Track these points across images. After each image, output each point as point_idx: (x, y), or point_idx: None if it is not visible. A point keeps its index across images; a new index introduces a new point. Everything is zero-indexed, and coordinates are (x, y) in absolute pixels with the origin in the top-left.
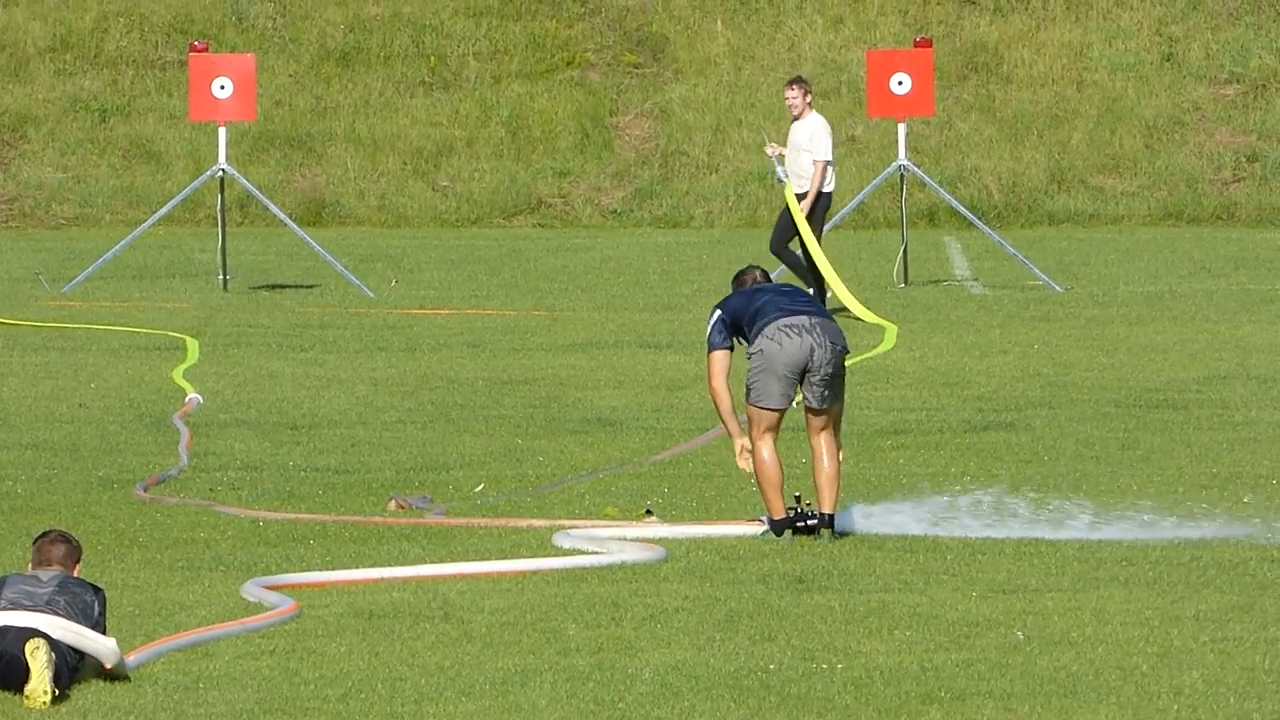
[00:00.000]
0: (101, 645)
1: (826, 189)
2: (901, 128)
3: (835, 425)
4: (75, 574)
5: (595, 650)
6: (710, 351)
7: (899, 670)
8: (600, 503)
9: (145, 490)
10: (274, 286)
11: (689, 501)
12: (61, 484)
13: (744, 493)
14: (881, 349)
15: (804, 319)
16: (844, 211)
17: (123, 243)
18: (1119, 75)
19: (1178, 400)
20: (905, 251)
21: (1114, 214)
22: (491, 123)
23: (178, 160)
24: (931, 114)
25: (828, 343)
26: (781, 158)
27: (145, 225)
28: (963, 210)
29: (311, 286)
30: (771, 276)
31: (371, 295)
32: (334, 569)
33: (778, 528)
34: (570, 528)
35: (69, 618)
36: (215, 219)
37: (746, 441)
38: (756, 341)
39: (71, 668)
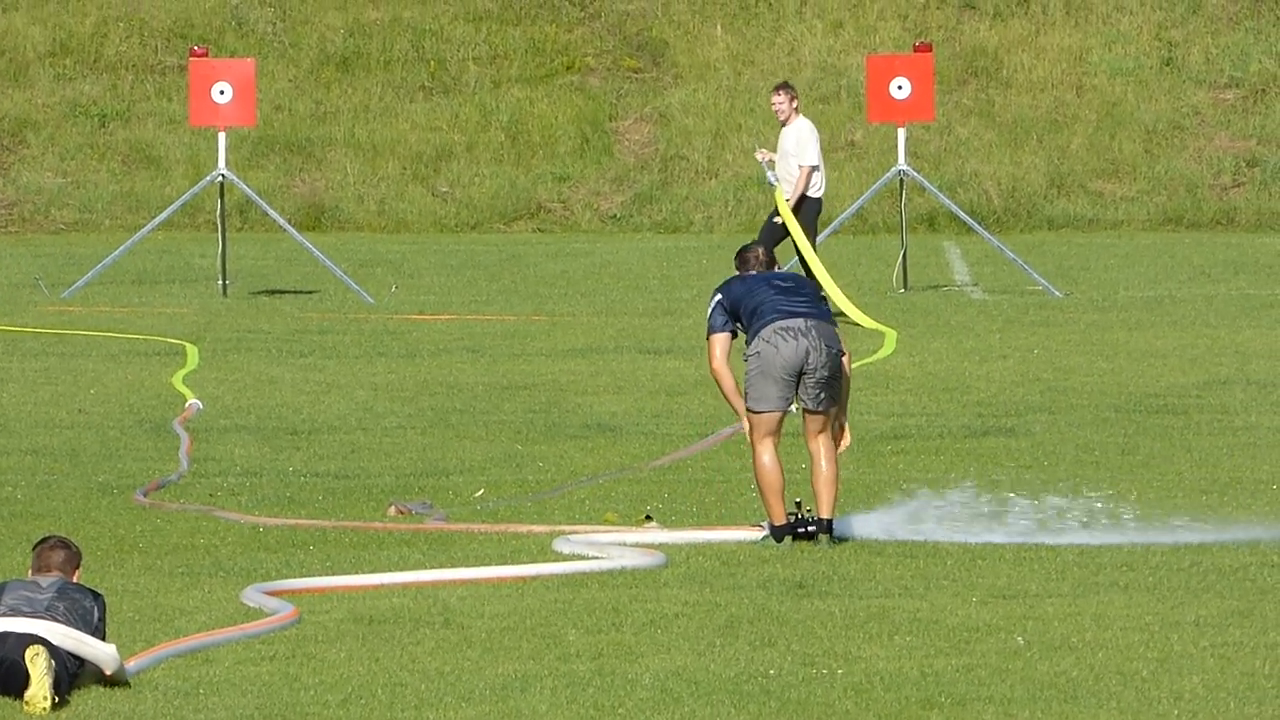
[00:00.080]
0: (101, 651)
1: (816, 194)
2: (901, 132)
3: (841, 415)
4: (75, 580)
5: (595, 655)
6: (710, 334)
7: (899, 675)
8: (600, 508)
9: (145, 496)
10: (274, 292)
11: (689, 507)
12: (61, 489)
13: (744, 498)
14: (881, 354)
15: (800, 322)
16: (843, 216)
17: (122, 248)
18: (1118, 80)
19: (1177, 405)
20: (905, 256)
21: (1113, 219)
22: (491, 128)
23: (177, 165)
24: (931, 119)
25: (823, 346)
26: (772, 163)
27: (145, 230)
28: (962, 215)
29: (311, 292)
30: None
31: (371, 300)
32: (334, 574)
33: (778, 534)
34: (570, 533)
35: (68, 624)
36: (215, 224)
37: None
38: (753, 344)
39: (71, 674)
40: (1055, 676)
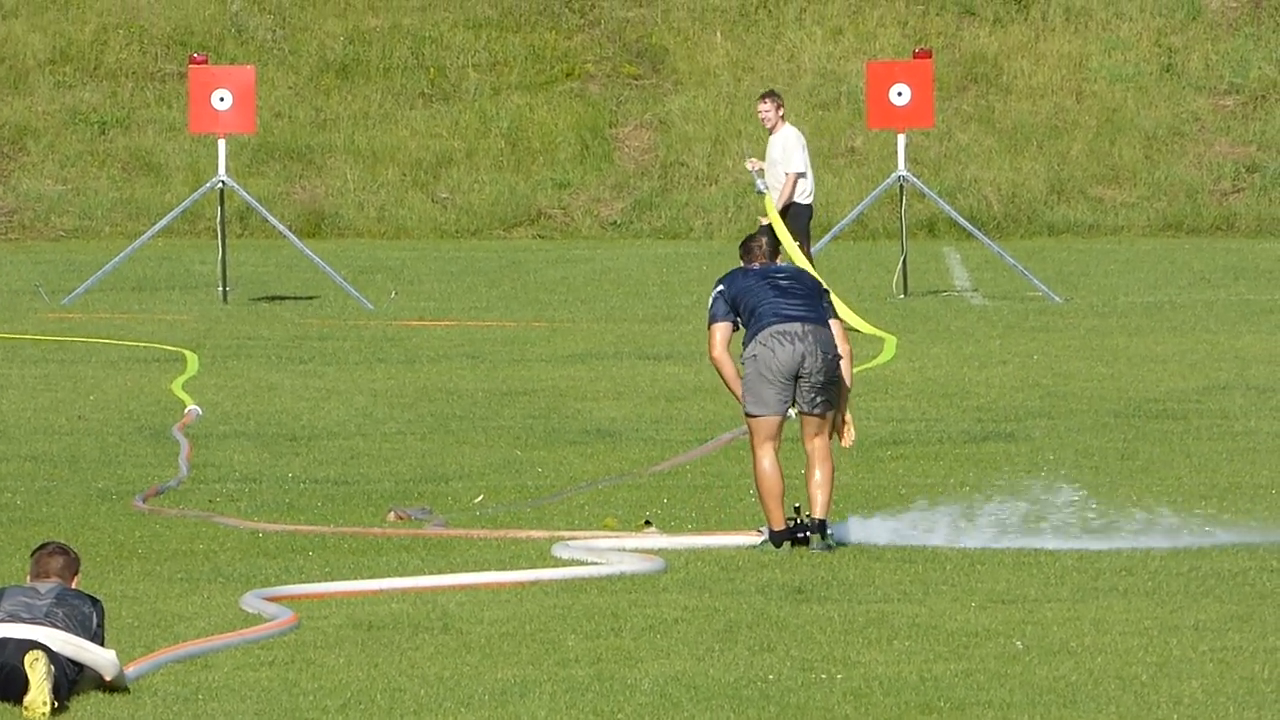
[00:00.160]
0: (101, 657)
1: (805, 200)
2: (901, 138)
3: (844, 411)
4: (73, 586)
5: (594, 661)
6: (711, 323)
7: (898, 680)
8: (599, 514)
9: (144, 502)
10: (273, 298)
11: (688, 512)
12: (61, 496)
13: (743, 504)
14: (881, 359)
15: (797, 326)
16: (844, 222)
17: (122, 255)
18: (1118, 86)
19: (1177, 410)
20: (905, 262)
21: (1113, 225)
22: (491, 134)
23: (177, 172)
24: (931, 125)
25: (819, 351)
26: (762, 171)
27: (145, 237)
28: (962, 221)
29: (311, 298)
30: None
31: (371, 307)
32: (333, 580)
33: (777, 539)
34: (569, 539)
35: (67, 630)
36: (215, 231)
37: None
38: (750, 346)
39: (70, 680)
40: (1054, 681)
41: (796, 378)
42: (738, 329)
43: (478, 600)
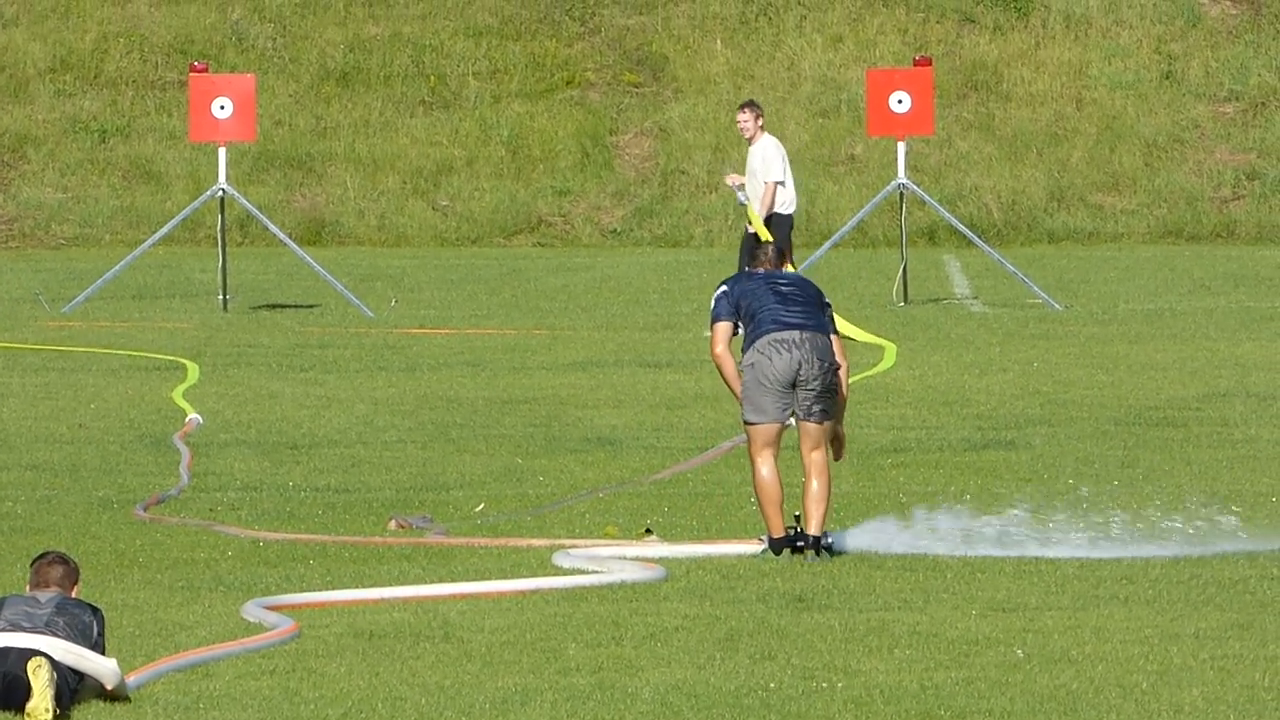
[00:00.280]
0: (102, 666)
1: (786, 211)
2: (901, 146)
3: (838, 425)
4: (73, 595)
5: (595, 669)
6: (714, 322)
7: (899, 689)
8: (600, 522)
9: (145, 510)
10: (274, 306)
11: (689, 520)
12: (61, 504)
13: (744, 511)
14: (881, 367)
15: (795, 334)
16: (844, 230)
17: (123, 263)
18: (1118, 93)
19: (1177, 418)
20: (905, 270)
21: (1113, 232)
22: (491, 142)
23: (177, 180)
24: (931, 132)
25: (815, 359)
26: (742, 186)
27: (145, 245)
28: (962, 228)
29: (311, 306)
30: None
31: (371, 315)
32: (334, 589)
33: (776, 546)
34: (570, 547)
35: (68, 639)
36: (215, 239)
37: None
38: (748, 354)
39: (72, 689)
40: (1055, 689)
41: (794, 386)
42: (738, 333)
43: (479, 609)
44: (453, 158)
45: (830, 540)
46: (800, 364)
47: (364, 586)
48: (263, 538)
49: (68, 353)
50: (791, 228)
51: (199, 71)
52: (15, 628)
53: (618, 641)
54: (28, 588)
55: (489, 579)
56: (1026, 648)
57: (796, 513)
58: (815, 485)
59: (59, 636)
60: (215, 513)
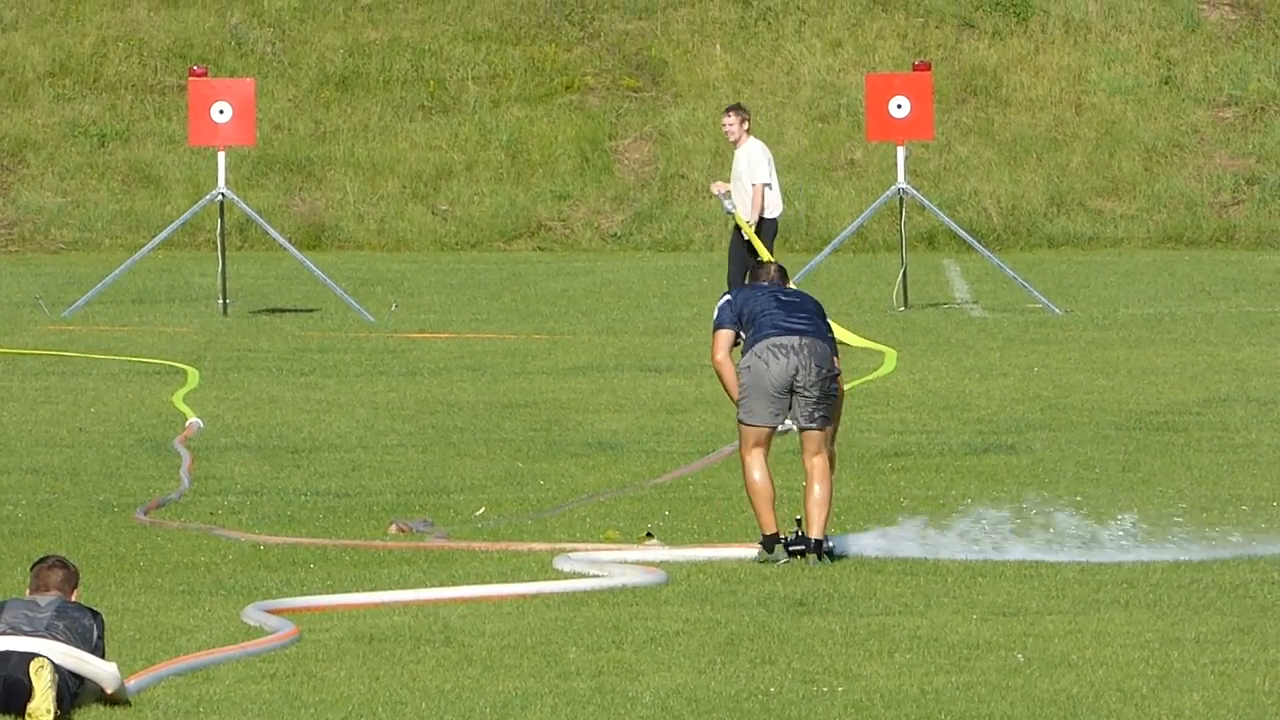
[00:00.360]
0: (102, 670)
1: (771, 215)
2: (900, 151)
3: (829, 443)
4: (73, 599)
5: (596, 674)
6: (716, 329)
7: (899, 693)
8: (601, 526)
9: (146, 514)
10: (274, 310)
11: (690, 524)
12: (62, 508)
13: (744, 515)
14: (882, 372)
15: (794, 339)
16: (843, 235)
17: (122, 267)
18: (1118, 98)
19: (1178, 423)
20: (905, 274)
21: (1113, 237)
22: (491, 146)
23: (177, 184)
24: (930, 137)
25: (813, 365)
26: (728, 193)
27: (145, 249)
28: (962, 233)
29: (311, 310)
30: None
31: (371, 319)
32: (335, 593)
33: (767, 543)
34: (571, 551)
35: (68, 642)
36: (215, 243)
37: None
38: (746, 357)
39: (72, 693)
40: (1055, 694)
41: (791, 392)
42: (739, 341)
43: (479, 613)
44: (452, 162)
45: (831, 544)
46: (798, 369)
47: (365, 590)
48: (263, 541)
49: (68, 357)
50: (775, 233)
51: (198, 76)
52: (15, 631)
53: (618, 646)
54: (28, 592)
55: (489, 583)
56: (1027, 652)
57: (798, 516)
58: (817, 490)
59: (59, 640)
60: (216, 516)
